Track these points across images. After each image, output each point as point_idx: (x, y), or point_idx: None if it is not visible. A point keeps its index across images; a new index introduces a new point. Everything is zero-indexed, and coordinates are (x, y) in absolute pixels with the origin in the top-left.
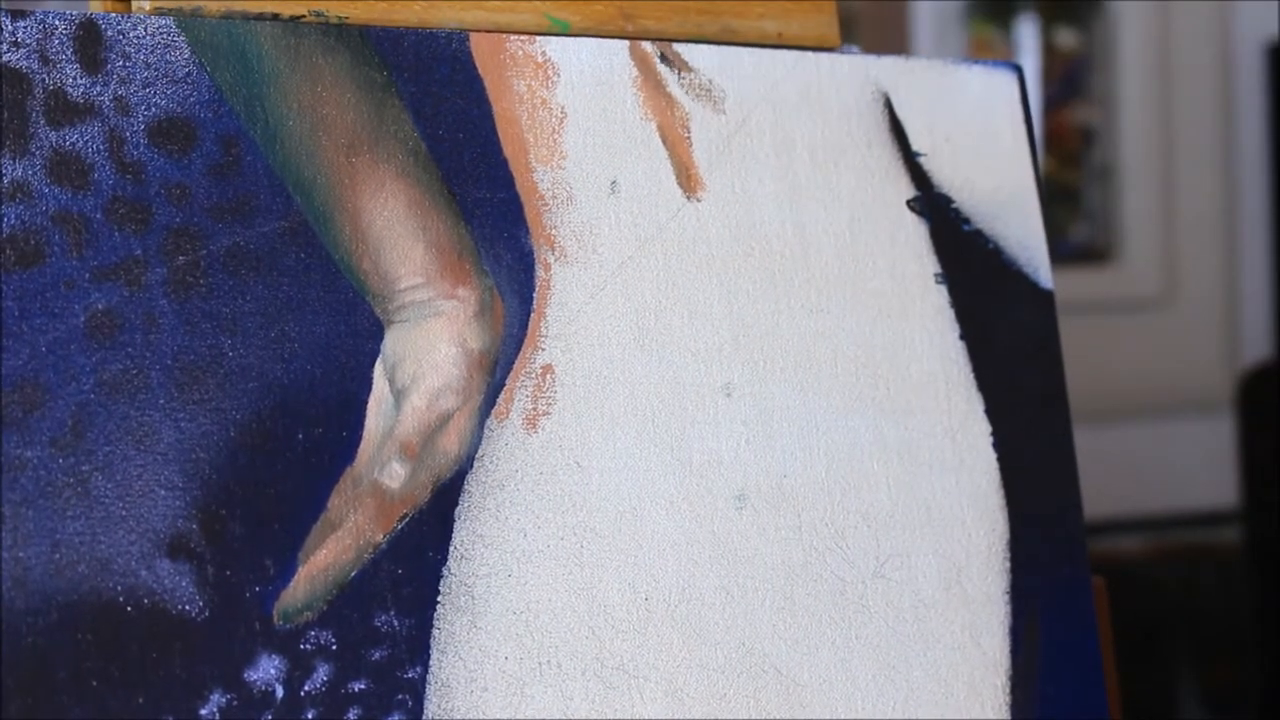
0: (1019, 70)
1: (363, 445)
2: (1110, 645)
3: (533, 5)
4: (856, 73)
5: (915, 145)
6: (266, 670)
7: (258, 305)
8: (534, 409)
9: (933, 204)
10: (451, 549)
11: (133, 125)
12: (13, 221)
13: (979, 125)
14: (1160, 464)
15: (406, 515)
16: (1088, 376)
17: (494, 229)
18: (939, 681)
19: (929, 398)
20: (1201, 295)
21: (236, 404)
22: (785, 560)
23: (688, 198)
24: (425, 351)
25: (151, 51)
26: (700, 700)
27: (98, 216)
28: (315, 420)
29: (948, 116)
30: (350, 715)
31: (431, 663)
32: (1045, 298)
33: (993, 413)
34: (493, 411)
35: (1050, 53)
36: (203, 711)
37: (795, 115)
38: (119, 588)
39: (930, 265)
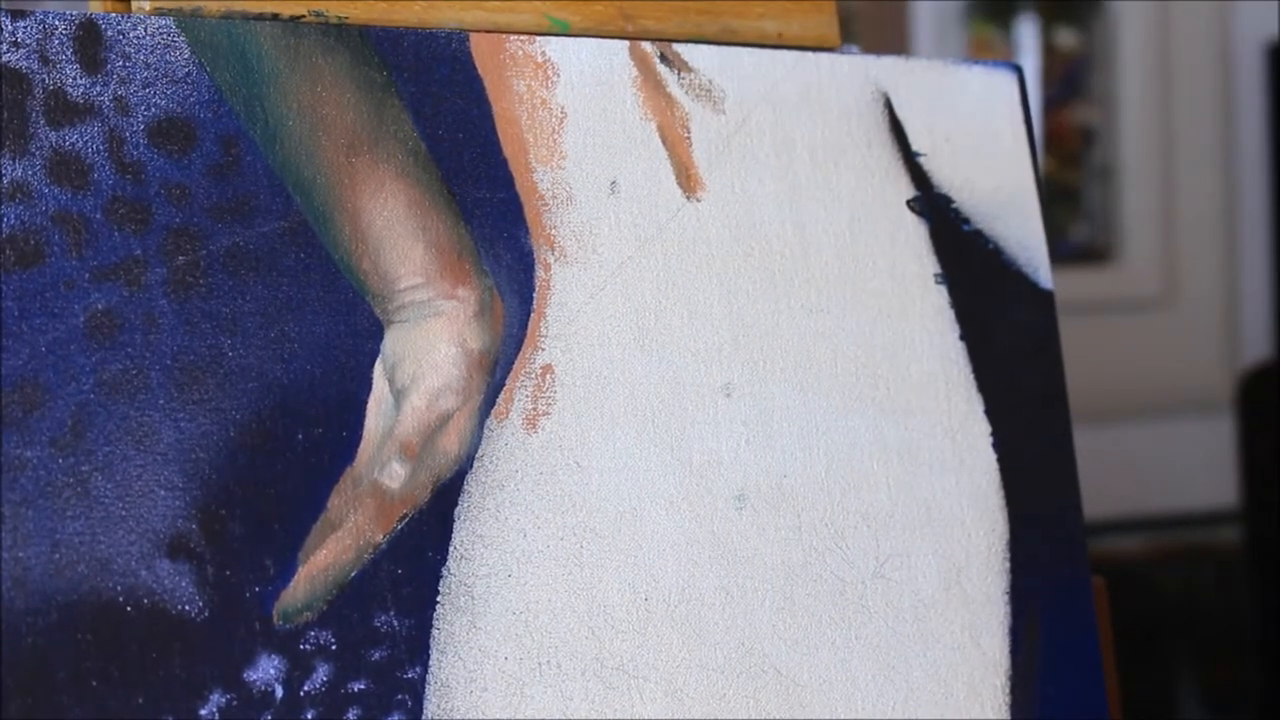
0: (1019, 70)
1: (362, 445)
2: (1110, 645)
3: (533, 5)
4: (856, 73)
5: (915, 145)
6: (266, 670)
7: (257, 305)
8: (534, 409)
9: (933, 204)
10: (451, 549)
11: (132, 125)
12: (12, 221)
13: (979, 125)
14: (1160, 464)
15: (406, 515)
16: (1088, 376)
17: (494, 229)
18: (939, 682)
19: (929, 398)
20: (1201, 295)
21: (236, 404)
22: (785, 560)
23: (687, 198)
24: (425, 351)
25: (151, 51)
26: (700, 700)
27: (97, 216)
28: (315, 420)
29: (948, 117)
30: (350, 715)
31: (431, 663)
32: (1045, 298)
33: (993, 413)
34: (492, 411)
35: (1050, 53)
36: (202, 711)
37: (795, 115)
38: (119, 588)
39: (930, 265)
